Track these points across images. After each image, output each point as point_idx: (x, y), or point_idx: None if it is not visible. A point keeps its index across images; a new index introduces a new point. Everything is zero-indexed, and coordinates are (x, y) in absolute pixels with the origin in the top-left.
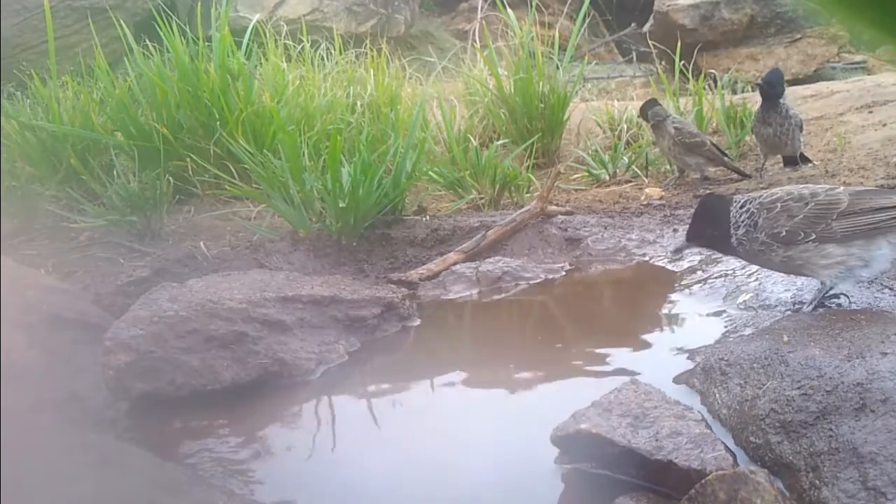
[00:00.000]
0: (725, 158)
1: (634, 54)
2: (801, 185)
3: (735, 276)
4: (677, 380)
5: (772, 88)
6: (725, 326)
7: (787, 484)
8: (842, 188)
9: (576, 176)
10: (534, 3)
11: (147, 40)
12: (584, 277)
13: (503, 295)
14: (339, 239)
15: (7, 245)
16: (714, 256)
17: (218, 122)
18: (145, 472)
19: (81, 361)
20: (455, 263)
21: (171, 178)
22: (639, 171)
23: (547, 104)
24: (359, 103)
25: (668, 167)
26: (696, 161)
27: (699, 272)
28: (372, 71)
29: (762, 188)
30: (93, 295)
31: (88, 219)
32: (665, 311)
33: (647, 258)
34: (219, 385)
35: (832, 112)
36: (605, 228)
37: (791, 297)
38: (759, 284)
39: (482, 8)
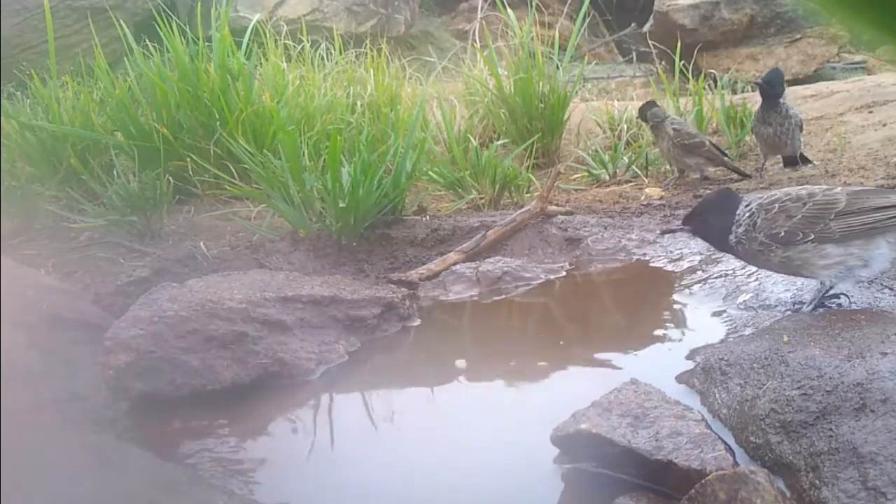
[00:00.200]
0: (725, 158)
1: (634, 54)
2: (800, 187)
3: (735, 276)
4: (677, 380)
5: (771, 88)
6: (725, 326)
7: (787, 484)
8: (840, 188)
9: (576, 176)
10: (534, 3)
11: (147, 40)
12: (584, 277)
13: (503, 295)
14: (339, 239)
15: (7, 245)
16: (714, 256)
17: (218, 122)
18: (145, 472)
19: (81, 361)
20: (455, 263)
21: (171, 178)
22: (639, 171)
23: (547, 104)
24: (359, 103)
25: (667, 167)
26: (695, 161)
27: (699, 272)
28: (372, 71)
29: (762, 188)
30: (93, 295)
31: (88, 219)
32: (665, 310)
33: (647, 258)
34: (219, 385)
35: (832, 112)
36: (605, 228)
37: (791, 297)
38: (759, 284)
39: (482, 8)
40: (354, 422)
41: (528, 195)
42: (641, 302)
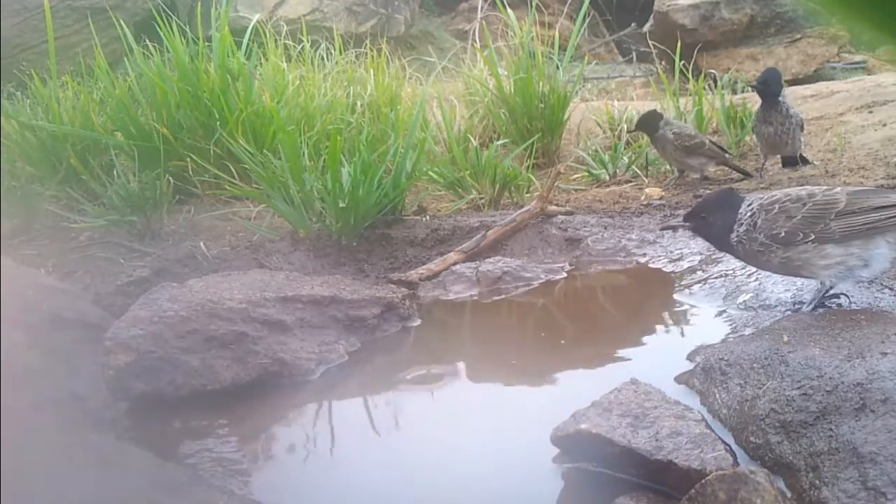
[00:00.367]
0: (726, 156)
1: (634, 54)
2: (800, 188)
3: (735, 276)
4: (677, 380)
5: (768, 88)
6: (725, 326)
7: (787, 484)
8: (839, 188)
9: (576, 176)
10: (534, 3)
11: (147, 40)
12: (584, 277)
13: (503, 295)
14: (339, 239)
15: (7, 245)
16: (714, 256)
17: (218, 122)
18: (145, 472)
19: (81, 361)
20: (455, 263)
21: (171, 178)
22: (639, 171)
23: (547, 104)
24: (359, 103)
25: (667, 167)
26: (698, 161)
27: (699, 272)
28: (372, 71)
29: (762, 188)
30: (93, 295)
31: (88, 219)
32: (665, 310)
33: (647, 258)
34: (219, 385)
35: (832, 112)
36: (605, 228)
37: (791, 297)
38: (759, 284)
39: (482, 8)
40: (354, 422)
41: (528, 195)
42: (641, 302)
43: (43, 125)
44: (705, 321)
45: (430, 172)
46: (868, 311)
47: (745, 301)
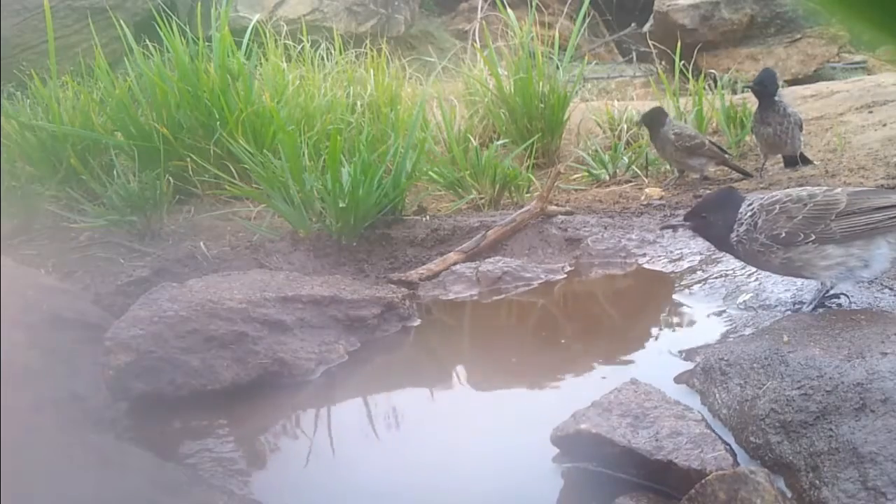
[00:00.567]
0: (726, 156)
1: (634, 54)
2: (800, 188)
3: (735, 276)
4: (677, 380)
5: (764, 88)
6: (725, 326)
7: (788, 484)
8: (840, 188)
9: (576, 176)
10: (534, 3)
11: (147, 40)
12: (584, 277)
13: (503, 295)
14: (339, 239)
15: (7, 245)
16: (714, 256)
17: (218, 122)
18: (145, 472)
19: (81, 361)
20: (455, 263)
21: (171, 178)
22: (639, 171)
23: (547, 104)
24: (359, 103)
25: (667, 167)
26: (698, 162)
27: (699, 272)
28: (372, 71)
29: (762, 188)
30: (93, 295)
31: (88, 219)
32: (665, 310)
33: (647, 258)
34: (219, 385)
35: (832, 112)
36: (605, 228)
37: (791, 297)
38: (759, 284)
39: (482, 8)
40: (354, 422)
41: (528, 195)
42: (641, 302)
43: (43, 125)
44: (705, 321)
45: (430, 172)
46: (868, 311)
47: (745, 301)
